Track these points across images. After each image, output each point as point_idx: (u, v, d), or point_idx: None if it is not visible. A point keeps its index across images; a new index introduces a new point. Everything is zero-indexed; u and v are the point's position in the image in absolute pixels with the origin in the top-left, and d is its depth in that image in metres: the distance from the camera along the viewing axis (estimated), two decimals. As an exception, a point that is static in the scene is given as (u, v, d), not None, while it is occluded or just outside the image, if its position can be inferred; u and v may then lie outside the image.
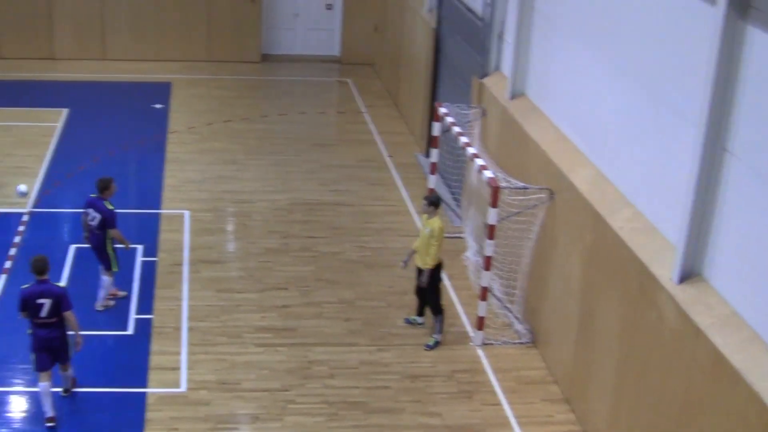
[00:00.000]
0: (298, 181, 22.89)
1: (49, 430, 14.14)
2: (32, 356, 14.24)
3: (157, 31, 32.20)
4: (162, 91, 29.20)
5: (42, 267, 14.02)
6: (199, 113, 27.47)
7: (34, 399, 14.70)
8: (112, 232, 16.65)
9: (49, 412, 14.18)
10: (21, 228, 20.01)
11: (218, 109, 27.92)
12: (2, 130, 25.48)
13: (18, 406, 14.77)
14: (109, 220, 16.58)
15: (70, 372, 14.73)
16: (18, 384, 15.20)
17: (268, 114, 27.73)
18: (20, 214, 20.60)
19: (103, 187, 16.66)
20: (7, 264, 18.57)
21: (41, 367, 14.15)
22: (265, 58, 33.00)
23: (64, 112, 26.77)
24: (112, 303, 17.26)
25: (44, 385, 14.11)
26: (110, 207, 16.61)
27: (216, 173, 23.12)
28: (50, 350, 14.18)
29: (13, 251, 19.01)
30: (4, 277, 18.15)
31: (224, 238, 20.21)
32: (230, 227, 20.75)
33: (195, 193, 21.92)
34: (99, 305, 17.07)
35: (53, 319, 13.99)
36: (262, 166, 23.68)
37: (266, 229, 20.47)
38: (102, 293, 17.11)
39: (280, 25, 33.18)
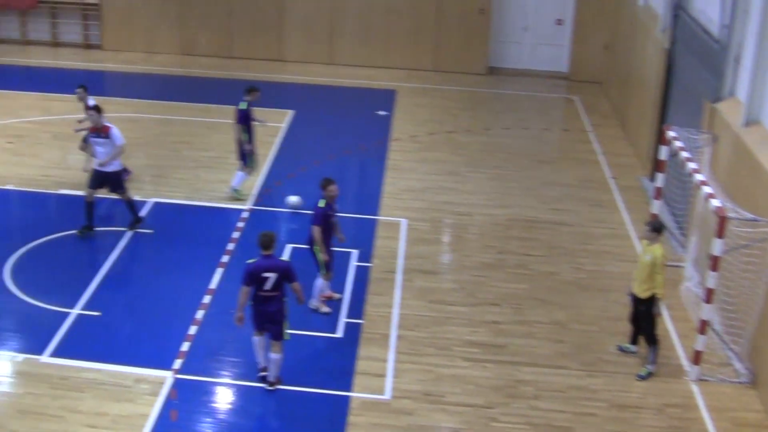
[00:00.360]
0: (518, 197, 22.88)
1: (263, 378, 15.39)
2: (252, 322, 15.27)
3: (384, 39, 32.82)
4: (387, 98, 29.75)
5: (268, 242, 14.87)
6: (423, 122, 27.84)
7: (241, 391, 15.31)
8: (312, 228, 16.99)
9: (262, 362, 15.36)
10: (240, 224, 20.75)
11: (442, 120, 28.23)
12: (229, 128, 26.36)
13: (224, 398, 15.31)
14: (312, 216, 17.02)
15: (280, 357, 15.23)
16: (225, 376, 15.74)
17: (491, 127, 27.82)
18: (240, 211, 21.38)
19: (322, 186, 17.10)
20: (224, 258, 19.30)
21: (258, 329, 15.25)
22: (492, 70, 33.16)
23: (290, 114, 27.62)
24: (326, 309, 17.53)
25: (258, 339, 15.32)
26: (320, 205, 17.00)
27: (436, 183, 23.36)
28: (268, 323, 15.10)
29: (231, 246, 19.74)
30: (220, 270, 18.85)
31: (439, 249, 20.40)
32: (446, 238, 20.93)
33: (413, 202, 22.21)
34: (312, 303, 17.48)
35: (275, 293, 14.88)
36: (482, 180, 23.79)
37: (482, 243, 20.53)
38: (314, 292, 17.53)
39: (508, 38, 33.27)
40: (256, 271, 14.77)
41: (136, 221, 20.36)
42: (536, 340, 17.08)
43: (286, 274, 14.89)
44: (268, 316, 15.04)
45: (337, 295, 17.92)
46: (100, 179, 19.96)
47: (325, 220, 16.93)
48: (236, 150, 21.86)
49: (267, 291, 14.86)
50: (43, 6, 34.50)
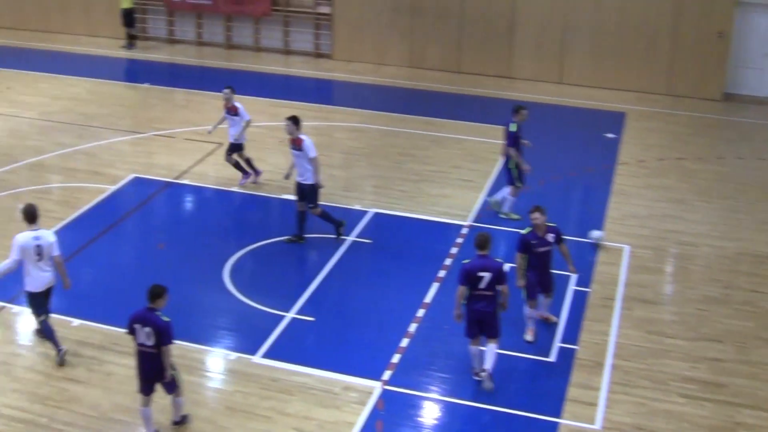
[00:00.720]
0: (749, 230, 22.04)
1: (477, 379, 15.87)
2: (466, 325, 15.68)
3: (616, 60, 32.38)
4: (615, 120, 29.31)
5: (484, 242, 15.47)
6: (651, 147, 27.26)
7: (448, 408, 15.30)
8: (516, 255, 16.89)
9: (477, 367, 15.82)
10: (459, 240, 20.79)
11: (671, 145, 27.57)
12: (454, 142, 26.69)
13: (430, 413, 15.30)
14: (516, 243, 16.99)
15: (496, 346, 15.61)
16: (433, 391, 15.73)
17: (724, 156, 26.98)
18: (460, 226, 21.42)
19: (529, 212, 16.97)
20: (441, 273, 19.37)
21: (470, 335, 15.72)
22: (728, 97, 32.20)
23: (515, 132, 27.49)
24: (529, 338, 17.13)
25: (473, 349, 15.78)
26: (523, 231, 16.93)
27: (661, 211, 22.80)
28: (481, 322, 15.51)
29: (448, 261, 19.79)
30: (436, 285, 18.93)
31: (662, 279, 19.88)
32: (669, 268, 20.39)
33: (637, 229, 21.72)
34: (527, 332, 17.31)
35: (490, 293, 15.32)
36: (710, 210, 23.08)
37: (708, 276, 19.88)
38: (526, 321, 17.34)
39: (747, 63, 32.24)
40: (472, 271, 15.26)
41: (339, 226, 20.63)
42: (761, 382, 16.37)
43: (499, 274, 15.31)
44: (483, 315, 15.43)
45: (553, 318, 17.72)
46: (298, 190, 20.38)
47: (526, 247, 16.75)
48: (506, 171, 21.71)
49: (482, 290, 15.30)
50: (276, 14, 35.60)
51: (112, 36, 37.34)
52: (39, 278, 16.02)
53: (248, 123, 23.19)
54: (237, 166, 23.44)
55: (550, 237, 16.86)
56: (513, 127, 21.28)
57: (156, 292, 13.85)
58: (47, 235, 16.07)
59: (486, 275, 15.22)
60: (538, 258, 16.83)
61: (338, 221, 20.65)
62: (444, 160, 25.38)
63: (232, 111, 22.96)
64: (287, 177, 21.14)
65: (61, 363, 16.15)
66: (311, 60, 35.37)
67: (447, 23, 33.58)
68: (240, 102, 23.21)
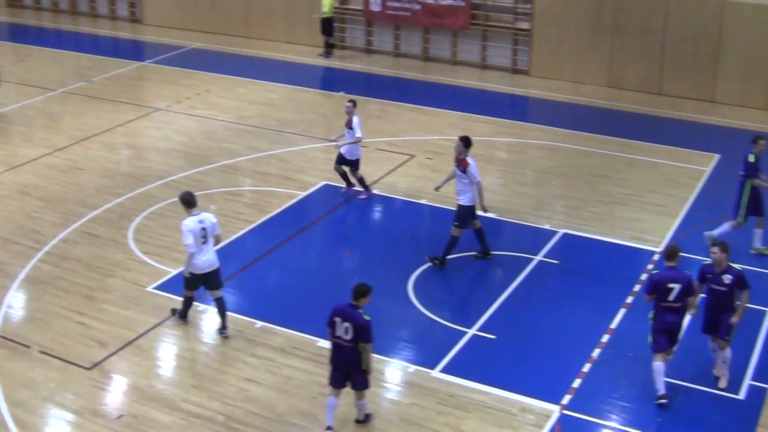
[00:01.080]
0: None
1: (660, 405, 15.71)
2: (651, 337, 15.76)
3: (832, 87, 31.25)
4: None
5: (673, 253, 15.77)
6: None
7: (630, 440, 15.11)
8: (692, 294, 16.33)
9: (662, 390, 15.67)
10: (649, 266, 20.42)
11: None
12: (650, 166, 26.22)
13: (611, 443, 15.20)
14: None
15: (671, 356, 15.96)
16: (613, 420, 15.54)
17: None
18: (651, 253, 21.07)
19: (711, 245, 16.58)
20: (629, 299, 19.10)
21: (659, 348, 15.69)
22: None
23: (715, 158, 26.86)
24: (722, 384, 16.48)
25: (659, 365, 15.62)
26: (706, 261, 16.54)
27: None
28: (672, 333, 15.63)
29: (637, 287, 19.48)
30: (623, 311, 18.67)
31: None
32: None
33: (841, 267, 20.96)
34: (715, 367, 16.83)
35: (678, 304, 15.43)
36: None
37: None
38: (719, 365, 16.67)
39: None
40: (661, 282, 15.42)
41: (441, 262, 20.40)
42: None
43: (688, 286, 15.42)
44: (674, 326, 15.58)
45: (723, 383, 16.45)
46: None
47: (703, 278, 16.18)
48: (737, 203, 21.03)
49: (671, 302, 15.42)
50: (475, 28, 35.71)
51: (310, 44, 38.13)
52: (201, 261, 17.04)
53: (358, 140, 23.23)
54: (344, 176, 23.72)
55: (727, 279, 15.95)
56: (751, 158, 20.72)
57: (361, 291, 14.41)
58: (209, 216, 17.20)
59: (676, 287, 15.33)
60: (712, 295, 16.17)
61: (443, 259, 20.38)
62: (639, 184, 24.98)
63: (348, 124, 23.21)
64: (438, 189, 21.17)
65: (181, 317, 17.92)
66: (507, 75, 35.30)
67: (649, 43, 33.00)
68: (359, 116, 23.35)
